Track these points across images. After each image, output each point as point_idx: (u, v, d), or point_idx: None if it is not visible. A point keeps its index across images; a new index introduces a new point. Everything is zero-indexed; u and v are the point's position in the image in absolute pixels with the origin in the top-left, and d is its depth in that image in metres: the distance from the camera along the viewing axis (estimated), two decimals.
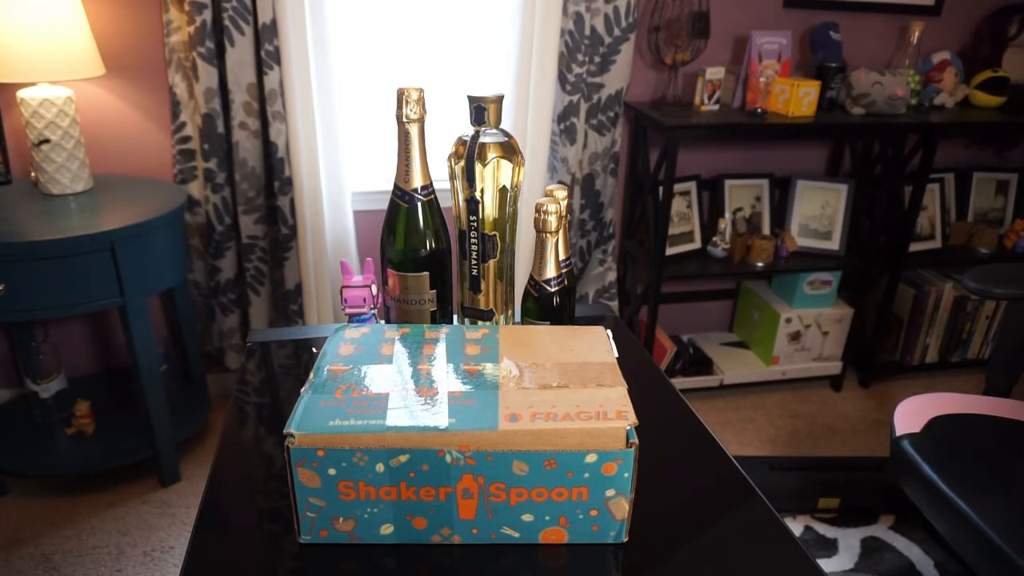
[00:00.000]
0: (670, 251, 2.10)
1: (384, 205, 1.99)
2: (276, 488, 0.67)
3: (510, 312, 0.85)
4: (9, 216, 1.54)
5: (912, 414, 1.25)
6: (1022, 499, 1.06)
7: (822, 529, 1.72)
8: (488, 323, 0.82)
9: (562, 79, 1.89)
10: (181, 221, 1.72)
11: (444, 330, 0.71)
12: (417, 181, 0.76)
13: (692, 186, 2.16)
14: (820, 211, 2.22)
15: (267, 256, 1.93)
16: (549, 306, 0.78)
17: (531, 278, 0.78)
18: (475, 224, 0.77)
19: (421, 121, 0.75)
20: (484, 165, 0.74)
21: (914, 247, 2.26)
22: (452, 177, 0.78)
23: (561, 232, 0.77)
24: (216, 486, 0.68)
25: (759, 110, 1.94)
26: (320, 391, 0.60)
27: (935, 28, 2.16)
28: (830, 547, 1.66)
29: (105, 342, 2.04)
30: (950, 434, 1.21)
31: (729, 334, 2.51)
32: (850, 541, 1.68)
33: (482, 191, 0.76)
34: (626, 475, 0.56)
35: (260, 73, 1.71)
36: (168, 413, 1.75)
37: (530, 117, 1.90)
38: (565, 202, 0.76)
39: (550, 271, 0.77)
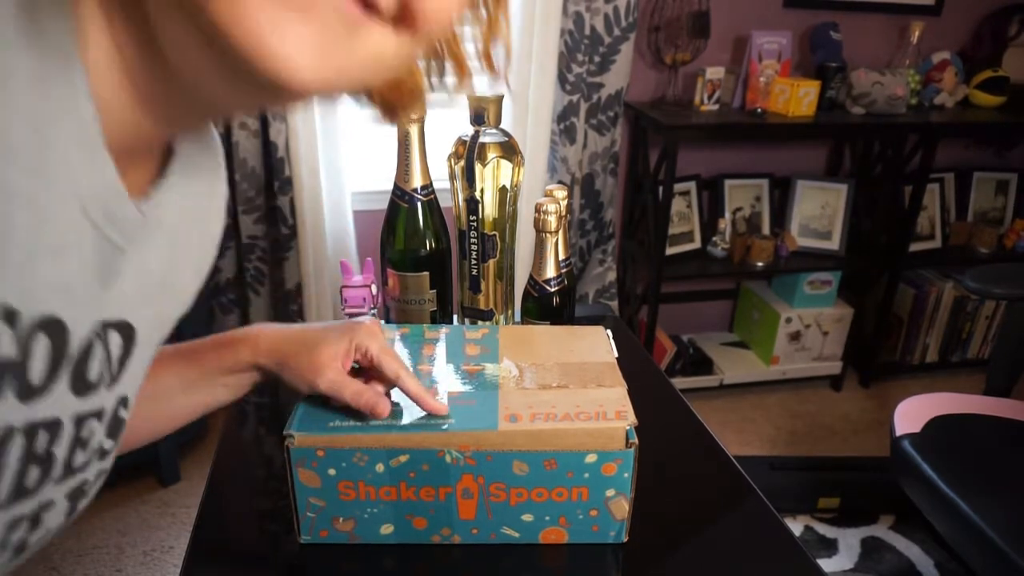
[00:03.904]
0: (670, 251, 2.10)
1: (384, 205, 1.99)
2: (276, 488, 0.67)
3: (510, 312, 0.85)
4: None
5: (912, 414, 1.25)
6: (1022, 499, 1.06)
7: (822, 529, 1.72)
8: (488, 323, 0.82)
9: (562, 79, 1.89)
10: None
11: (444, 330, 0.71)
12: (417, 181, 0.76)
13: (692, 186, 2.16)
14: (820, 211, 2.22)
15: (267, 256, 1.93)
16: (549, 306, 0.78)
17: (531, 278, 0.78)
18: (475, 224, 0.77)
19: (421, 121, 0.75)
20: (484, 165, 0.74)
21: (914, 247, 2.26)
22: (452, 177, 0.78)
23: (561, 232, 0.77)
24: (216, 486, 0.68)
25: (759, 110, 1.94)
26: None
27: (935, 28, 2.16)
28: (830, 547, 1.66)
29: None
30: (950, 434, 1.21)
31: (729, 334, 2.50)
32: (850, 541, 1.68)
33: (482, 191, 0.76)
34: (626, 475, 0.56)
35: None
36: None
37: (530, 117, 1.90)
38: (565, 202, 0.76)
39: (550, 271, 0.77)
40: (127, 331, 0.40)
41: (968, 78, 2.14)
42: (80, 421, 0.38)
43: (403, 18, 0.33)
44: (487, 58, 0.45)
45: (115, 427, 0.42)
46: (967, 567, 1.12)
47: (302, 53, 0.30)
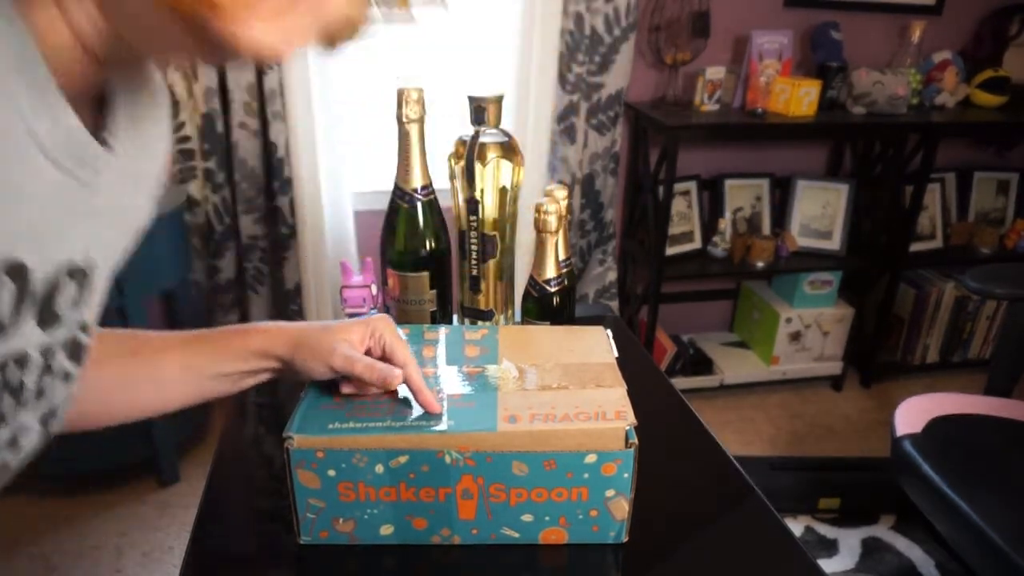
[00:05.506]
0: (670, 251, 2.09)
1: (384, 205, 1.99)
2: (276, 488, 0.66)
3: (510, 312, 0.85)
4: None
5: (913, 414, 1.25)
6: (1022, 499, 1.06)
7: (823, 529, 1.72)
8: (488, 323, 0.82)
9: (562, 79, 1.89)
10: (181, 221, 1.72)
11: (444, 331, 0.70)
12: (417, 181, 0.76)
13: (692, 186, 2.16)
14: (821, 211, 2.22)
15: (267, 256, 1.93)
16: (549, 306, 0.78)
17: (531, 278, 0.78)
18: (475, 224, 0.77)
19: (421, 121, 0.74)
20: (484, 165, 0.74)
21: (915, 247, 2.26)
22: (452, 177, 0.78)
23: (561, 232, 0.77)
24: (216, 486, 0.68)
25: (759, 110, 1.94)
26: (320, 394, 0.60)
27: (936, 27, 2.16)
28: (831, 547, 1.66)
29: None
30: (951, 434, 1.20)
31: (729, 334, 2.50)
32: (851, 541, 1.68)
33: (482, 191, 0.76)
34: (626, 475, 0.56)
35: (260, 72, 1.71)
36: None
37: (530, 117, 1.90)
38: (565, 202, 0.76)
39: (550, 271, 0.77)
40: (90, 264, 0.43)
41: (969, 78, 2.14)
42: (47, 351, 0.41)
43: None
44: None
45: (77, 352, 0.44)
46: (968, 567, 1.12)
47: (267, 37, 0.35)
